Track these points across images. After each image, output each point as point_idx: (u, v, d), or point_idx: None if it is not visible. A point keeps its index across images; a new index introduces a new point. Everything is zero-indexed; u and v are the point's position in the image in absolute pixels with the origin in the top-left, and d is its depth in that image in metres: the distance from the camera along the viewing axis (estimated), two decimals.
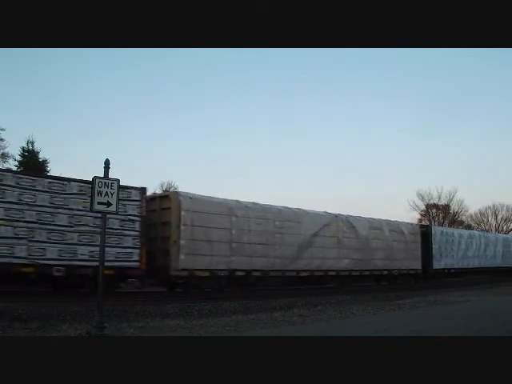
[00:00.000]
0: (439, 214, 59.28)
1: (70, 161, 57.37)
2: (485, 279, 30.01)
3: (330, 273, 21.41)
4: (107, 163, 7.09)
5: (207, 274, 16.74)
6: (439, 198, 57.87)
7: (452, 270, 30.13)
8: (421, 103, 79.36)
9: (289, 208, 20.62)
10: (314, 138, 77.68)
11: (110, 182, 6.96)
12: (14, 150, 32.97)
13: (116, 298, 12.95)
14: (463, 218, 60.95)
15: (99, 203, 6.85)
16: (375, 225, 24.24)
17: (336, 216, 22.23)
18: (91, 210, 6.98)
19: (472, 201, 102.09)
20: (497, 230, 58.96)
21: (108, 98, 68.82)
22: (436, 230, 29.61)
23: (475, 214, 61.86)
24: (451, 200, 58.03)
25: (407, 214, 73.63)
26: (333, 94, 78.07)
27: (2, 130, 31.37)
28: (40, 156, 31.13)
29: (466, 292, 17.47)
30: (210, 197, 17.89)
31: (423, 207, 58.72)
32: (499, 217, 61.46)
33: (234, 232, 17.72)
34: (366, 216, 24.46)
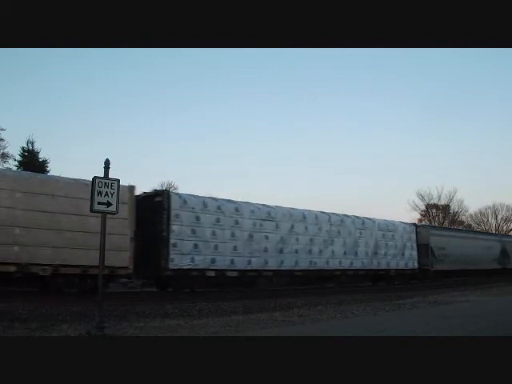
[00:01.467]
0: (439, 214, 59.33)
1: (70, 161, 57.44)
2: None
3: None
4: (107, 163, 7.10)
5: None
6: (439, 198, 58.04)
7: (228, 273, 17.44)
8: (421, 103, 79.46)
9: None
10: (314, 138, 77.72)
11: (110, 182, 6.97)
12: (14, 150, 33.10)
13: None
14: (463, 217, 61.09)
15: (99, 203, 6.87)
16: None
17: None
18: (91, 211, 6.97)
19: (472, 201, 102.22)
20: (497, 229, 58.97)
21: (108, 97, 68.91)
22: (186, 198, 16.87)
23: (475, 214, 62.01)
24: (451, 200, 58.19)
25: (407, 214, 73.76)
26: (333, 94, 78.12)
27: (2, 129, 31.53)
28: (40, 156, 31.26)
29: (465, 292, 17.49)
30: None
31: (423, 207, 58.85)
32: (499, 217, 61.60)
33: None
34: None
